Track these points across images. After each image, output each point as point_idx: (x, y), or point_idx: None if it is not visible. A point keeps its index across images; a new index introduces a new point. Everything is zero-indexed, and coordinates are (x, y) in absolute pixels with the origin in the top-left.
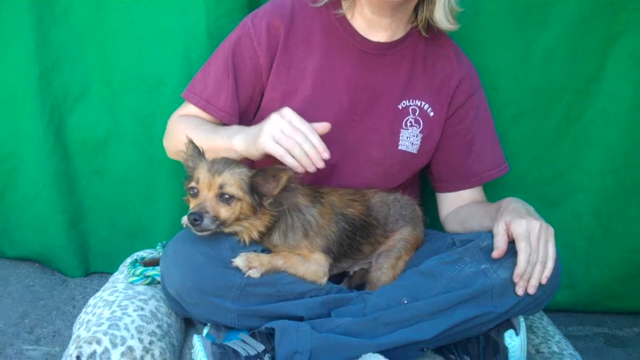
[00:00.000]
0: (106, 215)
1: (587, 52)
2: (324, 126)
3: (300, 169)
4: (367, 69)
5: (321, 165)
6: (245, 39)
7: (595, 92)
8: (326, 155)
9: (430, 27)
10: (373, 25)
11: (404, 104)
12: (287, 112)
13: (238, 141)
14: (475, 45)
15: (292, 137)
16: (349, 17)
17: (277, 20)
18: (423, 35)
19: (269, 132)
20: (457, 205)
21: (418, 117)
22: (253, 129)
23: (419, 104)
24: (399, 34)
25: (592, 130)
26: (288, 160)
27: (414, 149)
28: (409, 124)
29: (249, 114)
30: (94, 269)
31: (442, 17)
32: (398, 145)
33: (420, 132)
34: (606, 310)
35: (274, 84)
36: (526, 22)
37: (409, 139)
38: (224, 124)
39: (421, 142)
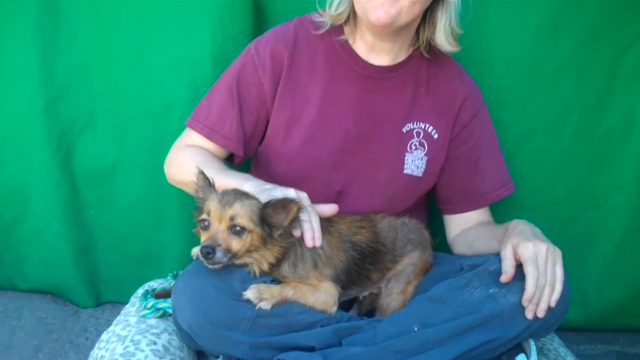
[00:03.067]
0: (115, 244)
1: (596, 67)
2: (331, 208)
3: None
4: (370, 93)
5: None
6: (249, 66)
7: (606, 108)
8: (318, 243)
9: (432, 48)
10: (375, 49)
11: (407, 127)
12: (304, 195)
13: (250, 188)
14: (481, 62)
15: None
16: (350, 41)
17: (281, 47)
18: (425, 56)
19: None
20: (464, 226)
21: (422, 140)
22: (267, 184)
23: (423, 127)
24: (401, 57)
25: (603, 146)
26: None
27: (419, 173)
28: (413, 147)
29: (253, 142)
30: (105, 299)
31: (443, 39)
32: (403, 169)
33: (425, 154)
34: (618, 327)
35: (279, 111)
36: (534, 37)
37: (414, 163)
38: (231, 154)
39: (426, 165)
